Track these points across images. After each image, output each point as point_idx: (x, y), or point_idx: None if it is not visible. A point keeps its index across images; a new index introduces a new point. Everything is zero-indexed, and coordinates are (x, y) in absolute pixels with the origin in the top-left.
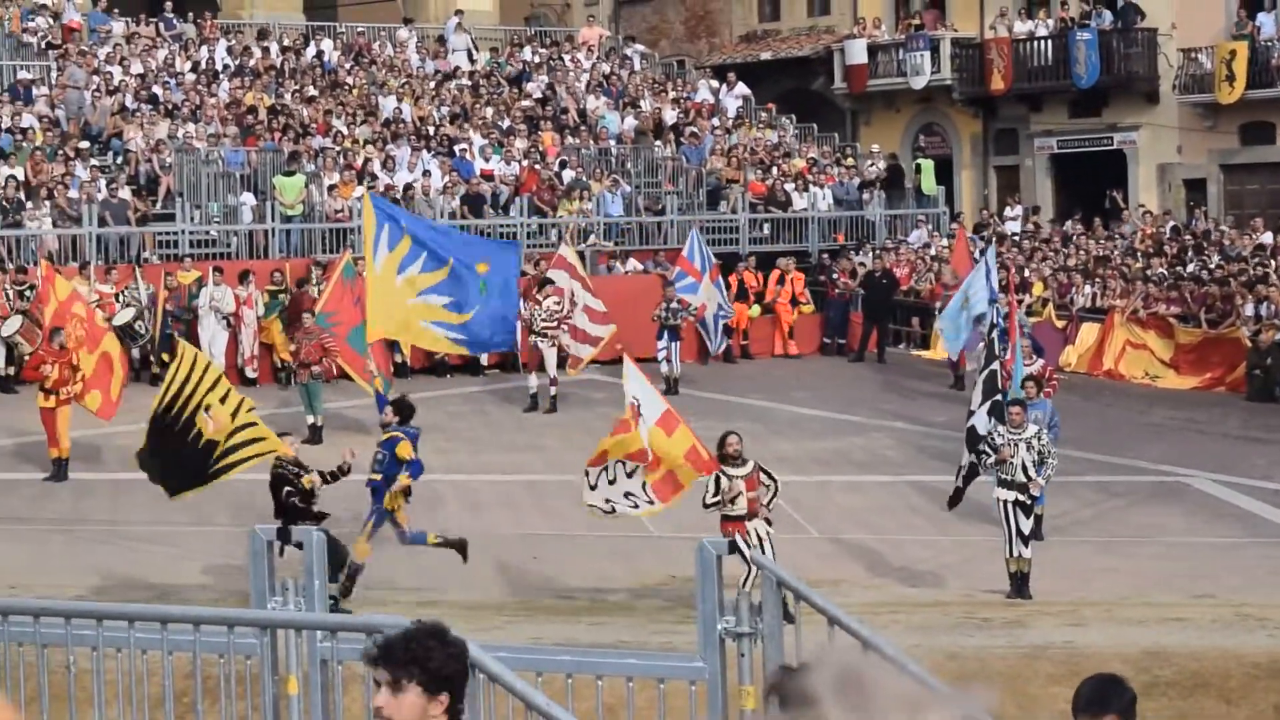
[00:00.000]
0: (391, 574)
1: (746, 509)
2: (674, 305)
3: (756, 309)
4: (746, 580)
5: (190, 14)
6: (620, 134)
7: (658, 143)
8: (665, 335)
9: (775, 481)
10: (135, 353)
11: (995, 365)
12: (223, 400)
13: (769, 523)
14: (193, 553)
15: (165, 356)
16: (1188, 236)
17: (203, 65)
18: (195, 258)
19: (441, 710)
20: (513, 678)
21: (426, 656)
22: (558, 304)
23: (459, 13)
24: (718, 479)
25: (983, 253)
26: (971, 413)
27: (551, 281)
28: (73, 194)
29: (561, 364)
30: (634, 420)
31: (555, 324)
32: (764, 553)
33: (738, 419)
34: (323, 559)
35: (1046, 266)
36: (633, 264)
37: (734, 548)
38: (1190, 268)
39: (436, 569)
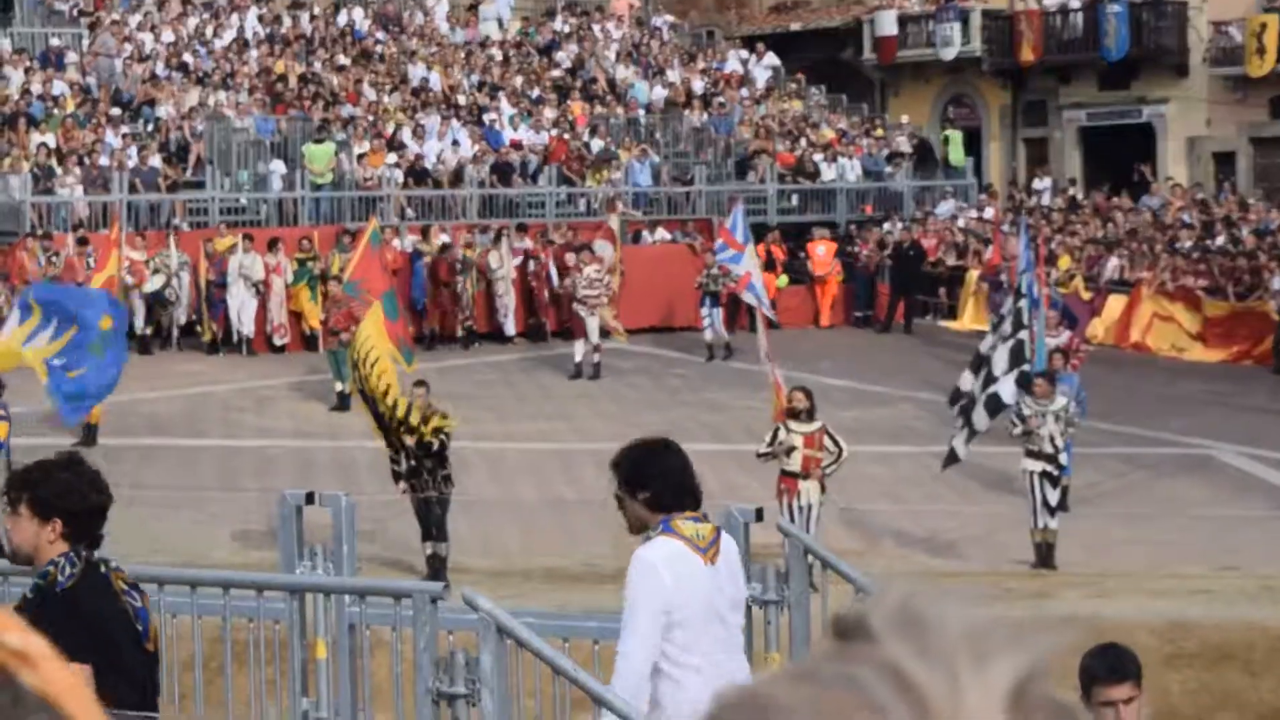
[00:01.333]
0: (418, 539)
1: (801, 466)
2: (714, 272)
3: (785, 279)
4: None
5: None
6: (649, 104)
7: (687, 112)
8: (707, 302)
9: (840, 448)
10: (167, 319)
11: (1023, 334)
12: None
13: (824, 487)
14: (221, 517)
15: (212, 325)
16: (1217, 209)
17: (233, 34)
18: (226, 225)
19: (57, 535)
20: (540, 643)
21: (37, 482)
22: (598, 272)
23: None
24: (775, 430)
25: (1014, 224)
26: (991, 377)
27: (591, 249)
28: (103, 161)
29: (603, 332)
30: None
31: (597, 292)
32: (810, 515)
33: (765, 388)
34: (351, 524)
35: (1075, 239)
36: (661, 233)
37: (760, 516)
38: (1219, 240)
39: (465, 537)
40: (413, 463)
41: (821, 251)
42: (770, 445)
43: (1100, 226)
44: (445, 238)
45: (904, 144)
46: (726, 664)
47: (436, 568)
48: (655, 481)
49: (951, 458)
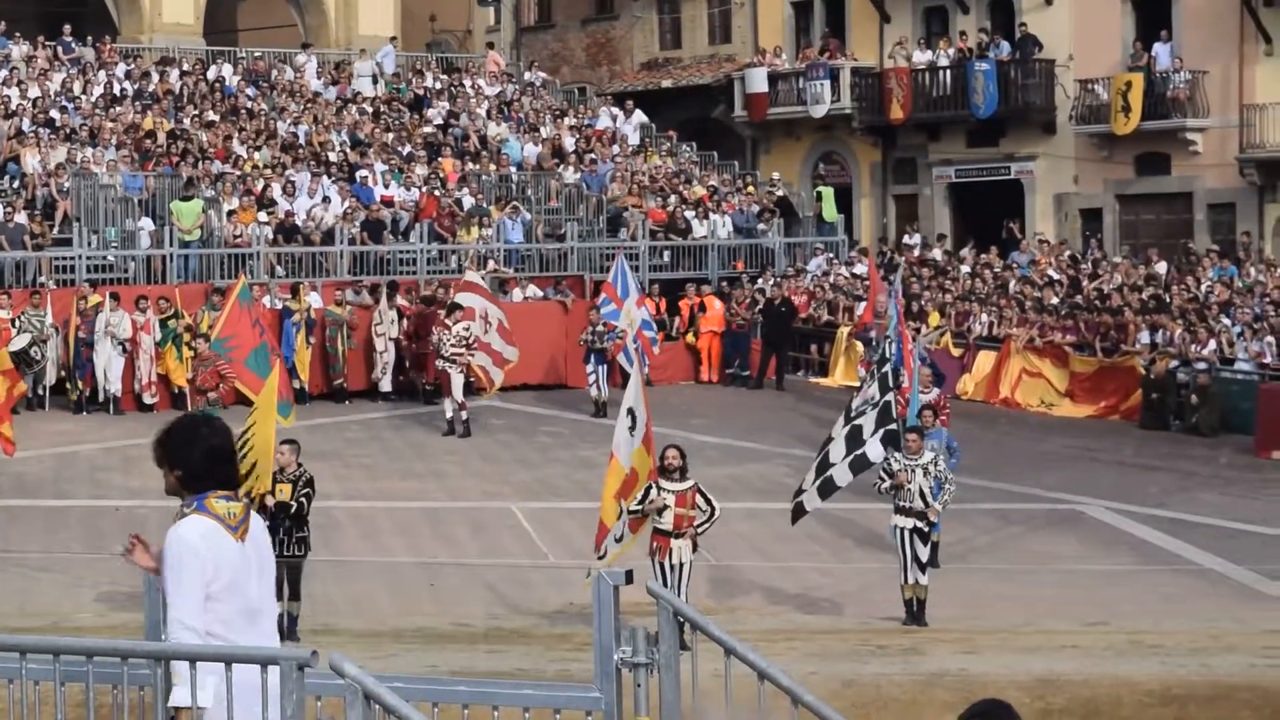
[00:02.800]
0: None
1: (674, 525)
2: (600, 329)
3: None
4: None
5: (89, 37)
6: (522, 160)
7: (562, 168)
8: (592, 359)
9: (713, 507)
10: (31, 379)
11: (890, 396)
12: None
13: (695, 546)
14: (87, 579)
15: (80, 384)
16: (1084, 266)
17: (101, 89)
18: (93, 283)
19: None
20: (408, 708)
21: None
22: (466, 329)
23: (393, 39)
24: (647, 489)
25: (889, 280)
26: (859, 439)
27: (460, 307)
28: None
29: (469, 389)
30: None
31: (464, 349)
32: (682, 574)
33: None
34: None
35: (946, 295)
36: (533, 290)
37: (630, 579)
38: (1086, 296)
39: (336, 597)
40: (267, 522)
41: (718, 306)
42: (641, 504)
43: (966, 282)
44: (315, 296)
45: (770, 200)
46: (248, 631)
47: (285, 627)
48: (191, 460)
49: (799, 511)
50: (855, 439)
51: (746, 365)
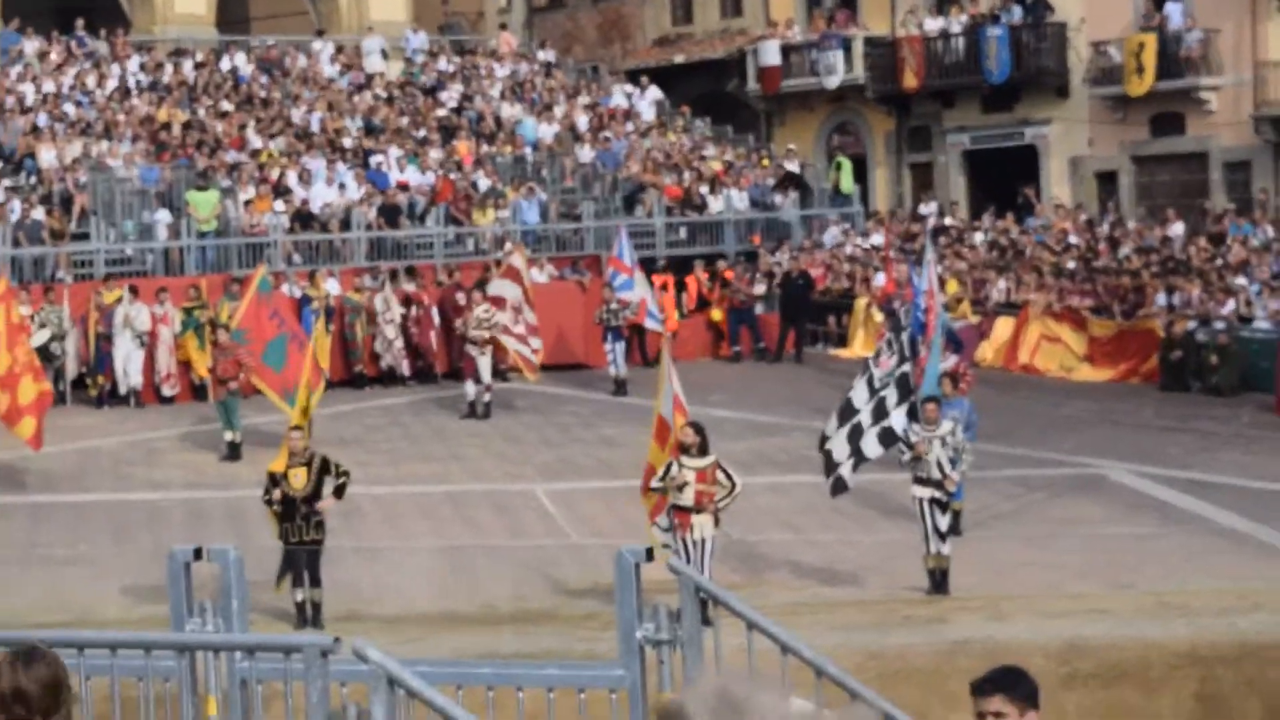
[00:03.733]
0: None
1: (694, 501)
2: (614, 306)
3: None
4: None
5: (102, 31)
6: (537, 141)
7: (577, 148)
8: (609, 337)
9: (734, 482)
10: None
11: (906, 367)
12: None
13: (717, 521)
14: (112, 572)
15: (100, 379)
16: (1101, 229)
17: (115, 82)
18: (111, 276)
19: None
20: (433, 693)
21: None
22: (487, 312)
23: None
24: (668, 466)
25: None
26: (883, 410)
27: (483, 290)
28: None
29: (496, 371)
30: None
31: (487, 331)
32: (705, 549)
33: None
34: (240, 578)
35: (962, 262)
36: (550, 269)
37: (651, 556)
38: (1103, 260)
39: (361, 583)
40: (280, 507)
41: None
42: (662, 480)
43: (987, 249)
44: (334, 282)
45: (784, 172)
46: None
47: (309, 614)
48: None
49: (839, 485)
50: (881, 412)
51: (759, 339)
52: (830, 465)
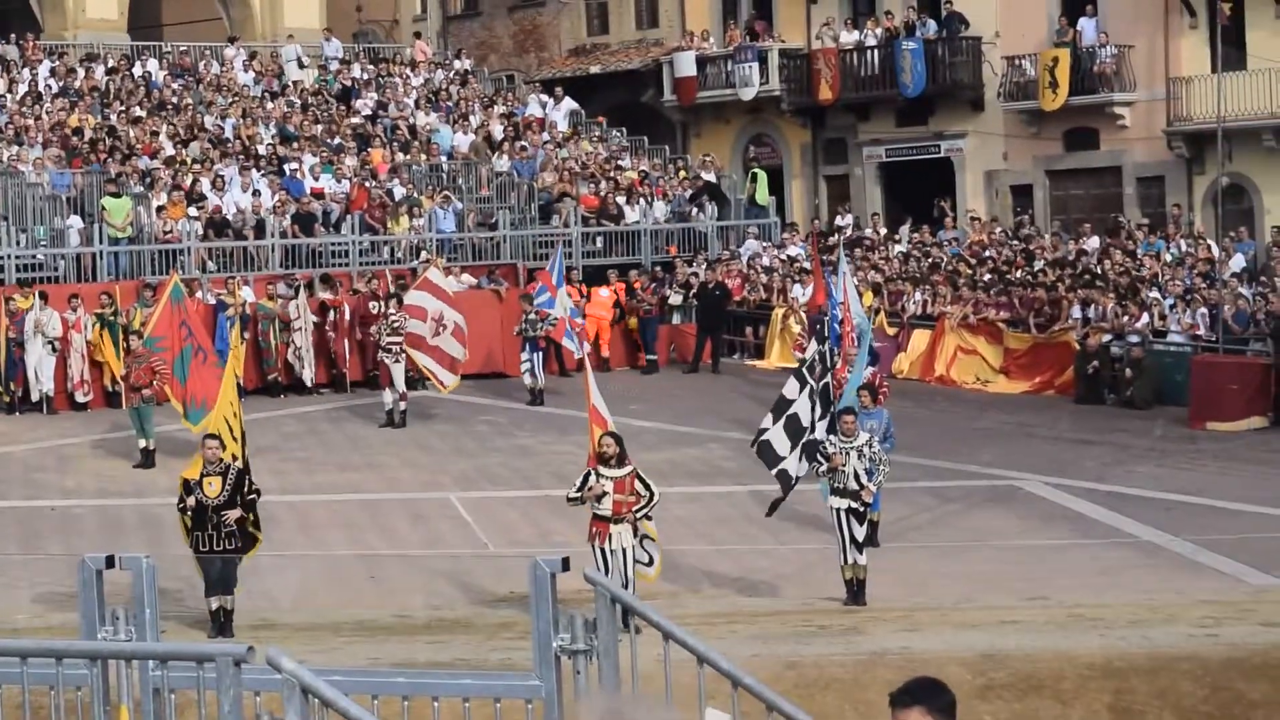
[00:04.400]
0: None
1: (612, 510)
2: (533, 318)
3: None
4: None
5: (12, 35)
6: (452, 149)
7: (495, 157)
8: (528, 348)
9: (652, 492)
10: None
11: (828, 379)
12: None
13: (636, 531)
14: (23, 580)
15: (12, 385)
16: (1015, 242)
17: (25, 87)
18: (23, 283)
19: None
20: (347, 702)
21: None
22: (400, 318)
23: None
24: (586, 475)
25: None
26: (801, 426)
27: (399, 298)
28: None
29: (411, 381)
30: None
31: (400, 339)
32: (625, 559)
33: (577, 432)
34: (152, 586)
35: (878, 275)
36: (467, 279)
37: (566, 565)
38: (1018, 273)
39: (275, 591)
40: (192, 515)
41: (631, 294)
42: (580, 490)
43: (900, 262)
44: (248, 290)
45: (700, 183)
46: None
47: (223, 621)
48: None
49: (785, 478)
50: (797, 429)
51: (651, 349)
52: (773, 458)
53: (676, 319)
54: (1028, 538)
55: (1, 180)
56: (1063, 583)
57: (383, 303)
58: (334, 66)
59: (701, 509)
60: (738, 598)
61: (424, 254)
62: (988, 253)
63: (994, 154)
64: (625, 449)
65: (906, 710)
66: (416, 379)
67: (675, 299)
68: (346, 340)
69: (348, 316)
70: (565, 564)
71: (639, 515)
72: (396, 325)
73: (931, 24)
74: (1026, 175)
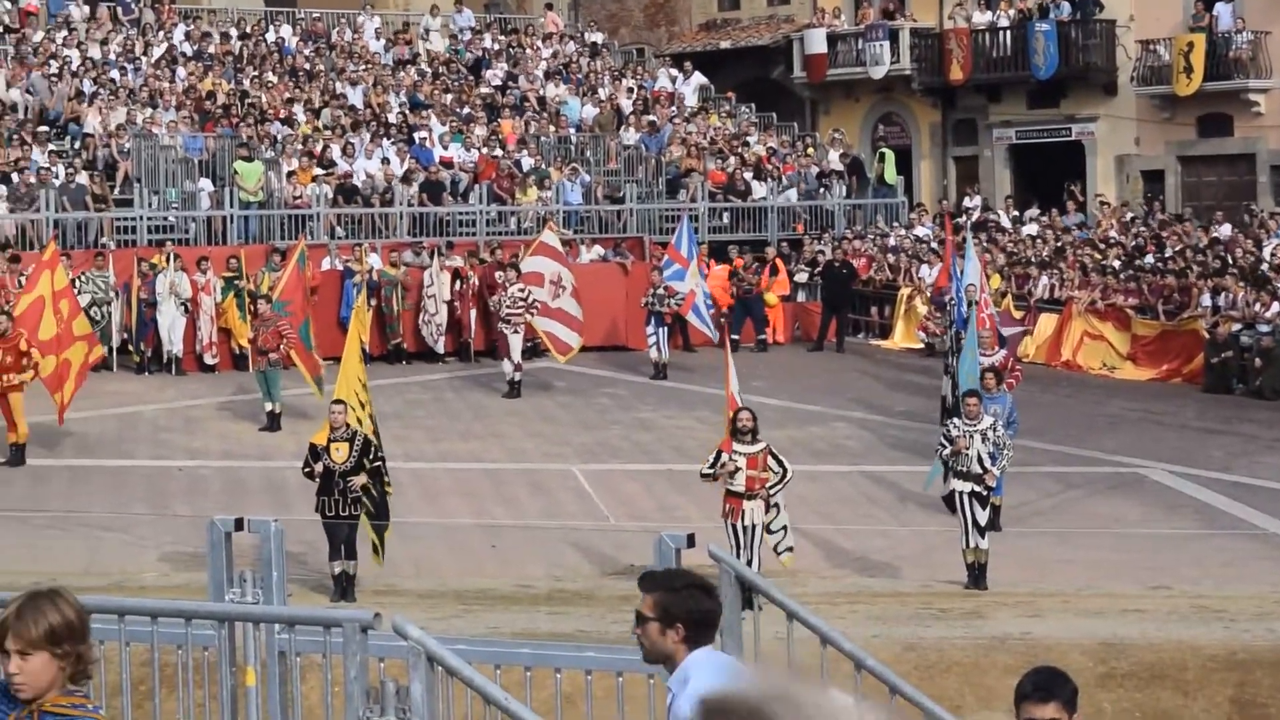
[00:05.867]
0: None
1: (745, 486)
2: (660, 292)
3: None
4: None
5: None
6: (580, 121)
7: (621, 131)
8: (653, 321)
9: (785, 469)
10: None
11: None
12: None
13: (768, 506)
14: (150, 539)
15: (143, 345)
16: (1144, 228)
17: (161, 51)
18: (157, 244)
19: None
20: (470, 671)
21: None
22: (523, 290)
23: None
24: (719, 452)
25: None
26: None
27: (517, 268)
28: (29, 179)
29: (531, 351)
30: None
31: (520, 310)
32: (754, 535)
33: (699, 408)
34: (280, 550)
35: (1003, 257)
36: (598, 250)
37: (691, 542)
38: (1148, 259)
39: (398, 558)
40: (320, 480)
41: (773, 272)
42: (712, 467)
43: (1029, 245)
44: (375, 257)
45: (835, 161)
46: None
47: (345, 585)
48: None
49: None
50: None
51: (762, 329)
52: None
53: (802, 297)
54: (1151, 526)
55: (135, 143)
56: (1186, 572)
57: (505, 272)
58: (465, 37)
59: (823, 488)
60: (858, 578)
61: (550, 225)
62: (1117, 236)
63: (1126, 138)
64: (758, 425)
65: (1043, 705)
66: (536, 347)
67: (801, 277)
68: (473, 310)
69: (475, 285)
70: (690, 540)
71: (772, 492)
72: (519, 296)
73: (1065, 6)
74: (1158, 161)
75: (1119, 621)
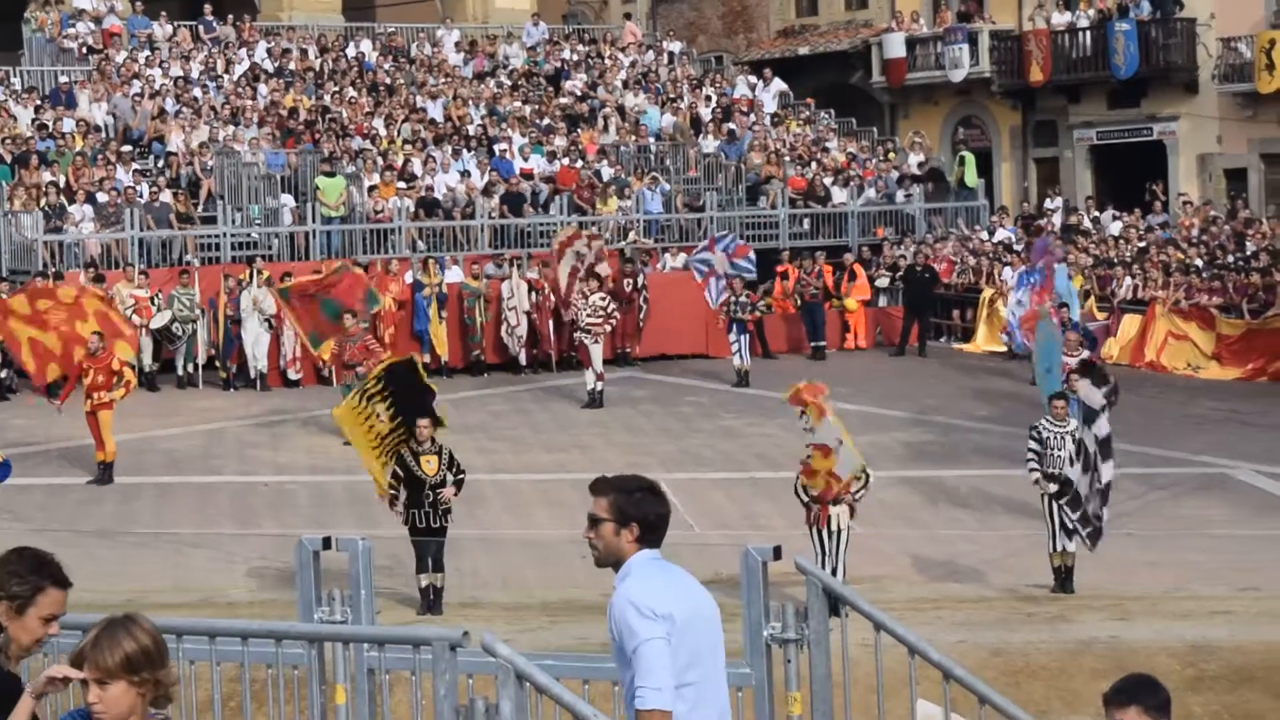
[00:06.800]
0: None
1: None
2: (742, 299)
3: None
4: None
5: (229, 16)
6: (660, 130)
7: (701, 138)
8: (734, 329)
9: (867, 474)
10: (183, 354)
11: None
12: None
13: (853, 513)
14: (238, 555)
15: (229, 360)
16: (1228, 227)
17: (242, 68)
18: (246, 260)
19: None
20: (559, 688)
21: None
22: (604, 300)
23: (535, 16)
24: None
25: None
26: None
27: (598, 277)
28: (116, 198)
29: (624, 359)
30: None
31: (600, 320)
32: (840, 540)
33: (781, 415)
34: (368, 569)
35: (1087, 257)
36: (683, 258)
37: (779, 554)
38: (1232, 258)
39: (483, 570)
40: (408, 492)
41: (852, 278)
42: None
43: (1112, 246)
44: (456, 270)
45: (914, 165)
46: None
47: (432, 599)
48: None
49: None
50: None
51: (819, 334)
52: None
53: (883, 301)
54: (1239, 527)
55: (218, 160)
56: (1276, 574)
57: (586, 282)
58: (541, 49)
59: (907, 493)
60: (943, 583)
61: (631, 234)
62: (1201, 236)
63: (1208, 137)
64: None
65: (1123, 709)
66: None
67: (882, 281)
68: (550, 321)
69: (549, 297)
70: (777, 553)
71: (857, 497)
72: (599, 305)
73: (1145, 4)
74: (1241, 159)
75: (1207, 624)
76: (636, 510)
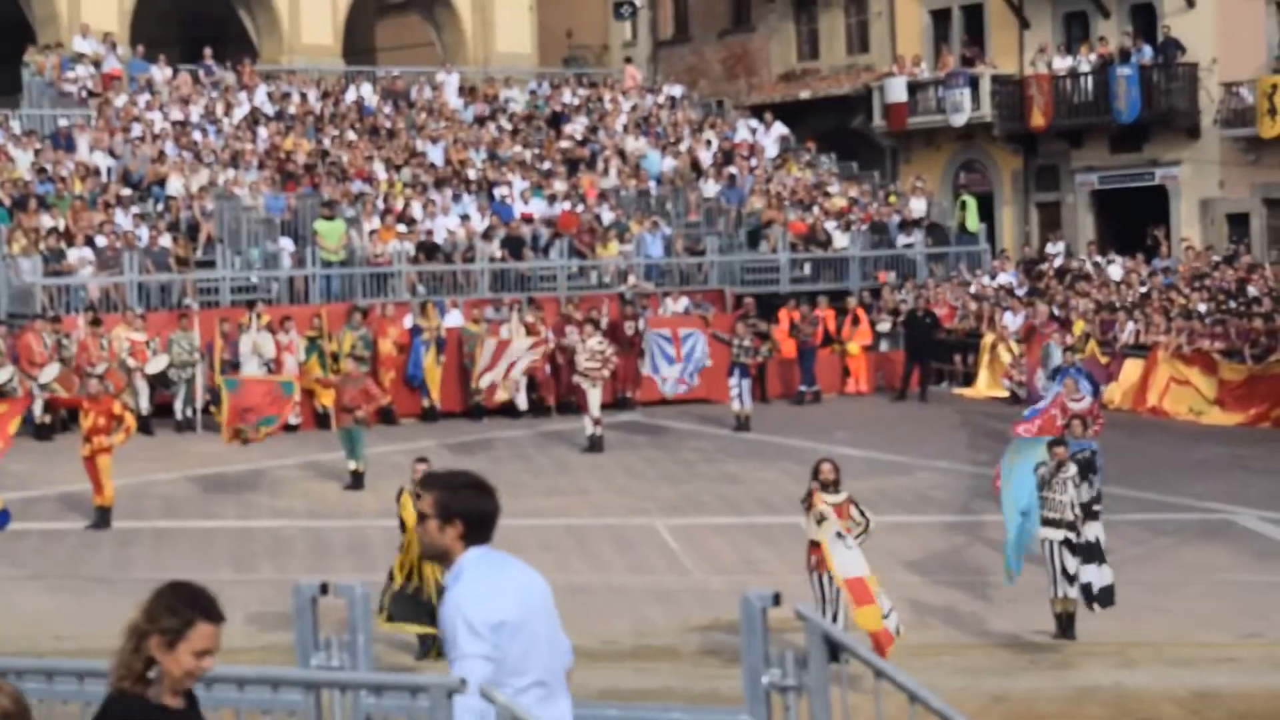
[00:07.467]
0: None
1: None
2: (747, 344)
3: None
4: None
5: (229, 61)
6: (660, 174)
7: (701, 182)
8: (735, 373)
9: (867, 519)
10: (180, 400)
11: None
12: None
13: None
14: (236, 600)
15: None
16: (1231, 271)
17: (242, 112)
18: (247, 304)
19: None
20: None
21: None
22: (600, 344)
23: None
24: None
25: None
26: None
27: (596, 323)
28: (115, 242)
29: (624, 402)
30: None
31: (598, 365)
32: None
33: (781, 459)
34: (365, 615)
35: (1088, 303)
36: (684, 302)
37: (778, 600)
38: (1234, 302)
39: None
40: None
41: (854, 322)
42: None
43: (1113, 291)
44: (456, 314)
45: (917, 210)
46: None
47: (430, 643)
48: None
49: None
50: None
51: (812, 380)
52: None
53: (884, 346)
54: (1243, 573)
55: (217, 204)
56: (1278, 619)
57: (579, 328)
58: (544, 92)
59: (909, 539)
60: (945, 629)
61: (631, 278)
62: (1204, 281)
63: (1210, 182)
64: (840, 476)
65: None
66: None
67: (883, 326)
68: (548, 365)
69: (550, 341)
70: (777, 599)
71: (859, 542)
72: (597, 349)
73: (1147, 49)
74: (1243, 204)
75: (1211, 671)
76: (460, 506)
